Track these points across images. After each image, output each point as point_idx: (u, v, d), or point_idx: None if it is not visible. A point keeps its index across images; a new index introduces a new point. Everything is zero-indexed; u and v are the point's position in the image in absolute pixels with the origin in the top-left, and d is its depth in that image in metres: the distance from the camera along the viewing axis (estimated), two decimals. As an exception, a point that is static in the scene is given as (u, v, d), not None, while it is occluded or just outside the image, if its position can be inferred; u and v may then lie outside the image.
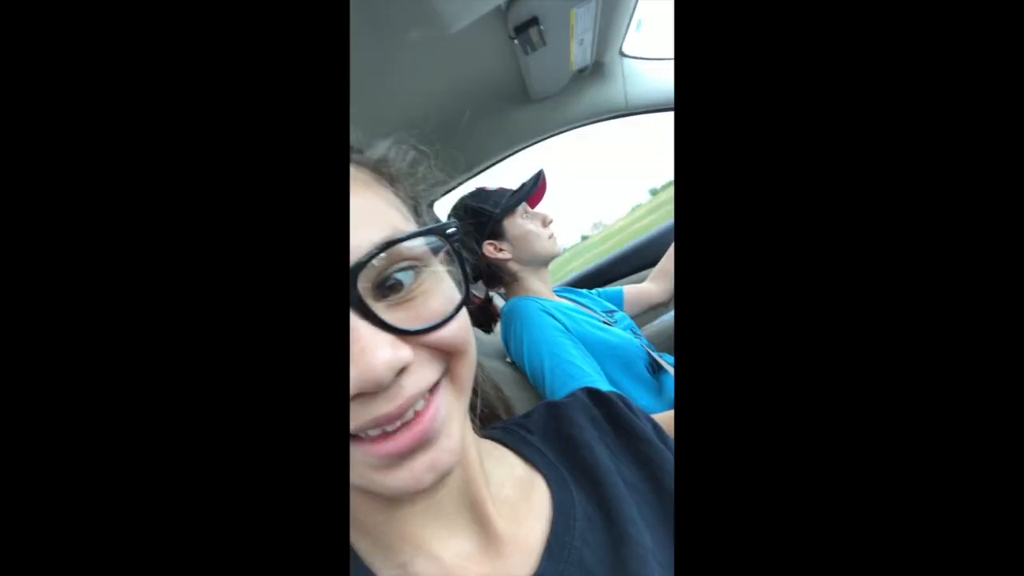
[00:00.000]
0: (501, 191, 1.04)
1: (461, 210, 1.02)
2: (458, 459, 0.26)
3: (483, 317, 1.08)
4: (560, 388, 0.81)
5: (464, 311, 0.28)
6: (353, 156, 0.31)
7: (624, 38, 1.12)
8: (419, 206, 0.33)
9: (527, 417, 0.40)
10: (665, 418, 0.68)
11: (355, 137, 0.32)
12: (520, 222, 1.02)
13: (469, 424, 0.33)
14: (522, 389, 0.92)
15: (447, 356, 0.27)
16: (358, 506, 0.28)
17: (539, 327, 0.89)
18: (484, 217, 1.00)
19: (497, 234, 1.01)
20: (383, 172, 0.32)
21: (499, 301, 1.12)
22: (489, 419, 0.44)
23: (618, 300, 1.17)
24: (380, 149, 0.33)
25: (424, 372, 0.26)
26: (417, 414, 0.25)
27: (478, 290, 1.10)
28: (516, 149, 1.31)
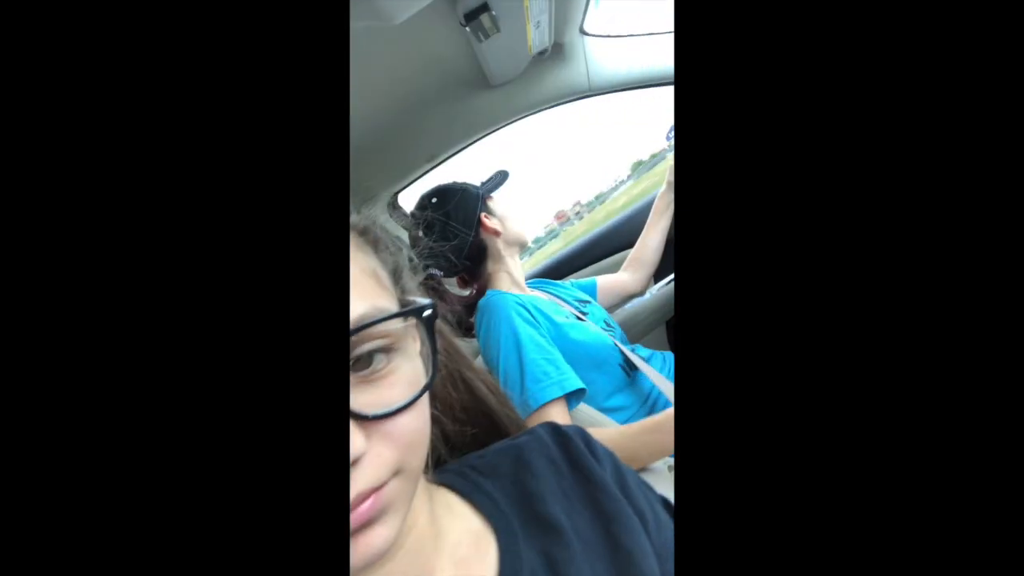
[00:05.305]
0: (465, 184, 1.01)
1: (439, 193, 0.98)
2: (390, 546, 0.24)
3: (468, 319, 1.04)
4: (533, 386, 0.80)
5: (426, 397, 0.27)
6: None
7: (584, 16, 1.08)
8: (400, 272, 0.32)
9: (481, 458, 0.38)
10: (662, 419, 0.68)
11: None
12: (501, 200, 1.02)
13: (422, 484, 0.32)
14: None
15: (402, 448, 0.25)
16: None
17: (512, 324, 0.87)
18: (471, 193, 0.97)
19: (487, 209, 0.99)
20: (368, 236, 0.31)
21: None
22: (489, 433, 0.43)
23: (591, 291, 1.15)
24: (369, 214, 0.33)
25: (376, 468, 0.24)
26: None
27: (457, 291, 1.06)
28: (479, 136, 1.26)
